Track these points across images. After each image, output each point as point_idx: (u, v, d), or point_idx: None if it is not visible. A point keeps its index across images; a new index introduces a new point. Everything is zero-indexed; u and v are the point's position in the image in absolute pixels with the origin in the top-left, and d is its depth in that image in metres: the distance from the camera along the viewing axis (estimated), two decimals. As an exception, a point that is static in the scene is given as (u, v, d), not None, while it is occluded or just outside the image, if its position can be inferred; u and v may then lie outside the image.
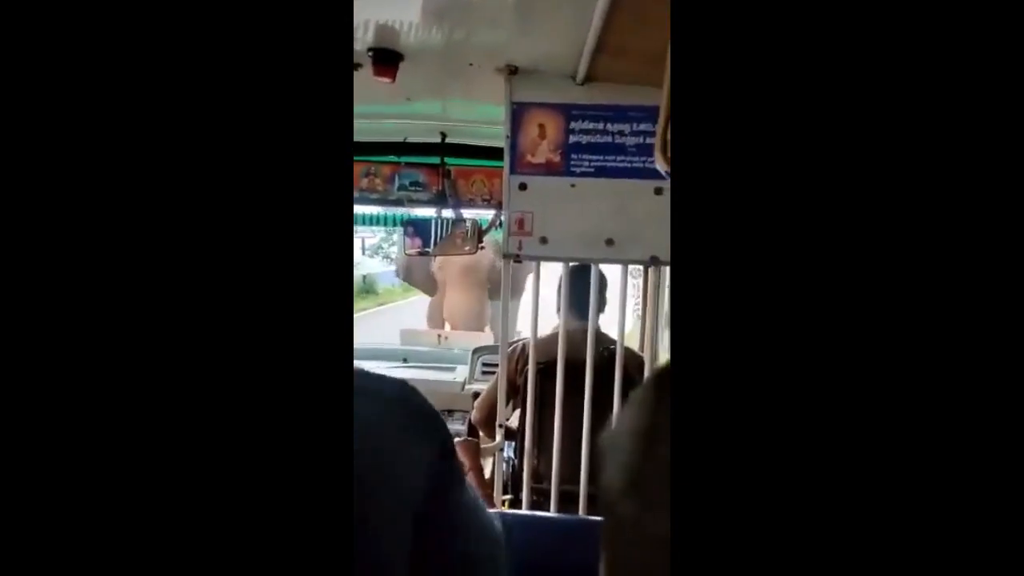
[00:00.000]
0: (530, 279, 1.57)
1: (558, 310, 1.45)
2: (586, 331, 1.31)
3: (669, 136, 0.58)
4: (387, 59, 1.11)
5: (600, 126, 1.21)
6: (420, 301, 3.59)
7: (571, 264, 1.33)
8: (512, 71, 1.19)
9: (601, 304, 1.45)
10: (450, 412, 2.02)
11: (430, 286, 3.04)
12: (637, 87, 1.17)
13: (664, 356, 1.68)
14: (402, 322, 3.57)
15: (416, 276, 3.09)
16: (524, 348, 1.38)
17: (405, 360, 2.34)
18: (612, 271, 1.47)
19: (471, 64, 1.17)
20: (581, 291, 1.33)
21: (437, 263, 2.88)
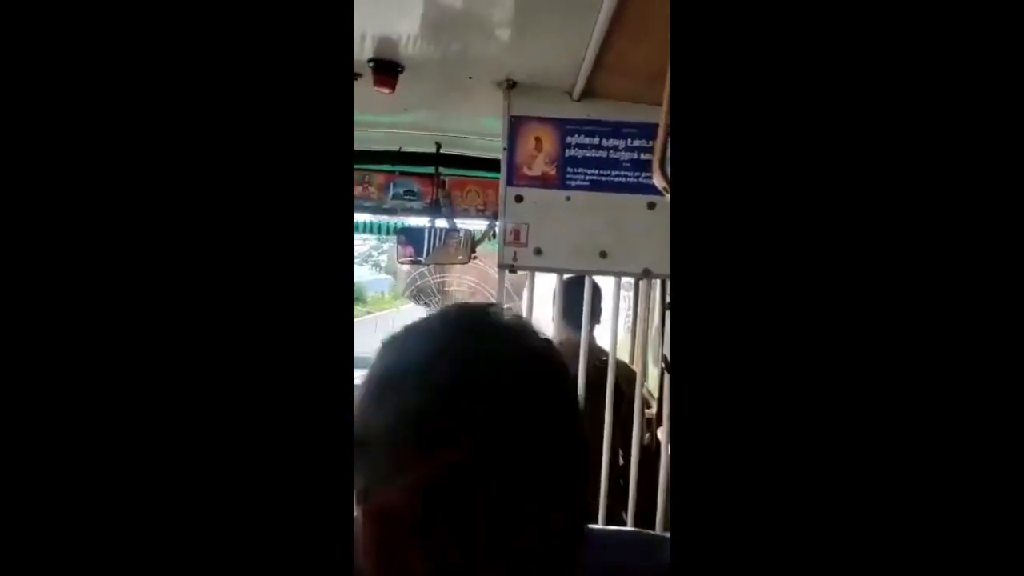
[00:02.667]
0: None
1: (561, 316, 1.46)
2: (579, 342, 1.32)
3: (668, 154, 0.60)
4: (387, 70, 1.12)
5: (596, 141, 1.24)
6: (410, 310, 3.58)
7: (565, 276, 1.34)
8: (510, 85, 1.21)
9: (596, 315, 1.47)
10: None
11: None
12: (632, 104, 1.19)
13: (654, 367, 1.69)
14: (391, 331, 3.54)
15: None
16: None
17: None
18: (607, 281, 1.48)
19: (470, 77, 1.19)
20: (575, 302, 1.34)
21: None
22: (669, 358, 1.35)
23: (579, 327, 1.34)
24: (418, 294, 2.96)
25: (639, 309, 1.59)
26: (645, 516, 1.33)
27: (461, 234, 1.96)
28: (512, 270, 1.29)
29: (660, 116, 0.59)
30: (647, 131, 1.19)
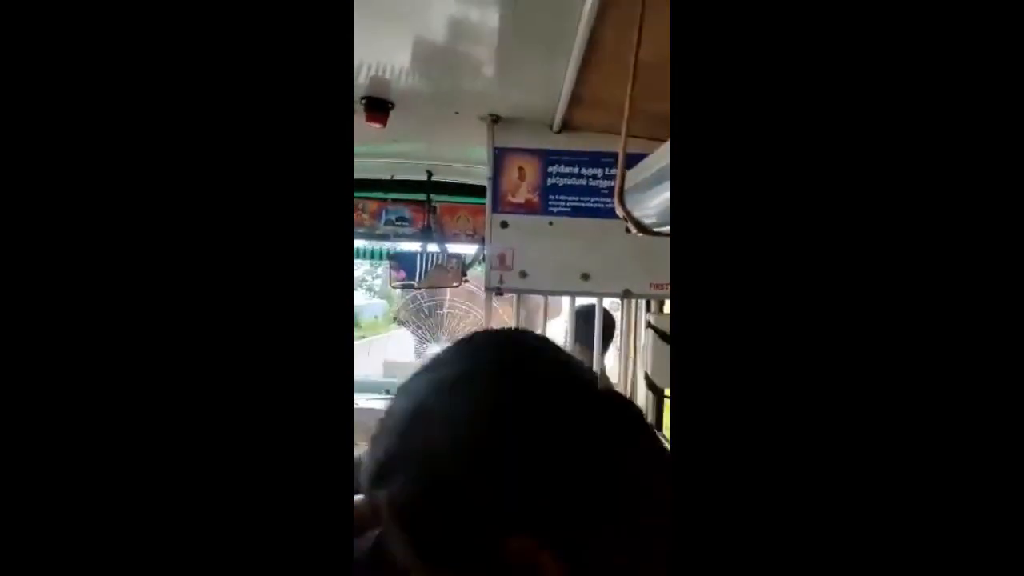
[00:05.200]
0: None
1: (574, 342, 1.51)
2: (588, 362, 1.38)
3: (625, 184, 0.66)
4: (378, 107, 1.19)
5: (575, 170, 1.31)
6: (404, 334, 3.61)
7: (578, 305, 1.41)
8: (495, 119, 1.29)
9: (608, 339, 1.53)
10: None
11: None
12: (609, 136, 1.27)
13: (640, 385, 1.73)
14: (386, 354, 3.57)
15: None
16: None
17: (387, 392, 2.36)
18: (606, 305, 1.54)
19: (457, 112, 1.26)
20: (587, 328, 1.41)
21: None
22: (651, 375, 1.39)
23: (590, 349, 1.40)
24: (409, 318, 3.00)
25: (625, 329, 1.64)
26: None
27: (455, 259, 2.02)
28: (499, 292, 1.34)
29: (619, 150, 0.65)
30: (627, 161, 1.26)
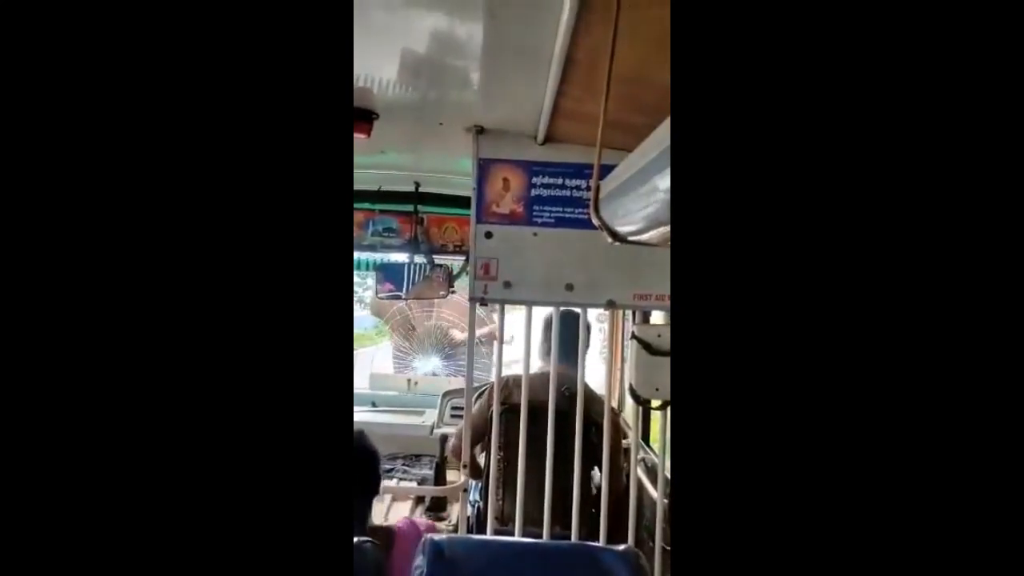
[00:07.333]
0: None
1: (546, 352, 1.50)
2: (565, 374, 1.37)
3: (600, 195, 0.66)
4: (362, 117, 1.20)
5: (559, 181, 1.32)
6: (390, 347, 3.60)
7: (560, 309, 1.40)
8: (479, 131, 1.30)
9: (575, 347, 1.52)
10: (417, 457, 2.02)
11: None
12: (591, 148, 1.28)
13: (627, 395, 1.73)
14: (374, 366, 3.54)
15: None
16: (514, 380, 1.44)
17: (374, 404, 2.34)
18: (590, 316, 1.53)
19: (441, 123, 1.27)
20: (565, 335, 1.40)
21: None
22: (635, 387, 1.39)
23: (571, 359, 1.39)
24: (399, 328, 3.00)
25: (610, 339, 1.64)
26: (616, 543, 1.34)
27: (442, 269, 2.02)
28: (483, 303, 1.34)
29: (594, 162, 0.66)
30: (607, 172, 1.27)
